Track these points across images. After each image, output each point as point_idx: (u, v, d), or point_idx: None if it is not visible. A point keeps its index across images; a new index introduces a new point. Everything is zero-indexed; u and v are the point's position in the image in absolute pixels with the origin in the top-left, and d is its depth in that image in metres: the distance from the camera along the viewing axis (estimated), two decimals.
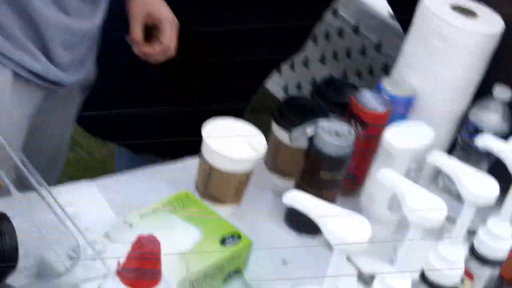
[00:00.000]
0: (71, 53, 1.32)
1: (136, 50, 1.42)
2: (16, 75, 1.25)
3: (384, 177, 0.83)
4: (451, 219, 1.27)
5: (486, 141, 0.93)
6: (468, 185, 0.81)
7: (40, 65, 1.27)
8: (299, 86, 2.51)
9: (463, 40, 1.31)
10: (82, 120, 2.01)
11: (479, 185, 0.81)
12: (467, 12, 1.35)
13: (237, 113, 2.05)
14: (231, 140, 1.25)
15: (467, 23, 1.33)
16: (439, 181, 1.43)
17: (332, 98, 1.39)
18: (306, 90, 2.48)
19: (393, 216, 1.25)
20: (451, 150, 1.41)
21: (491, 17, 1.37)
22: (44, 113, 1.37)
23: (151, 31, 1.44)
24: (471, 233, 0.90)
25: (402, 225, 1.25)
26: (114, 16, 1.43)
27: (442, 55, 1.33)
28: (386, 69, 2.15)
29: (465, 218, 0.83)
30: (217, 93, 1.89)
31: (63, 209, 1.05)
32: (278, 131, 1.32)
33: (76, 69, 1.35)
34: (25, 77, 1.26)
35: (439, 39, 1.32)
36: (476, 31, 1.32)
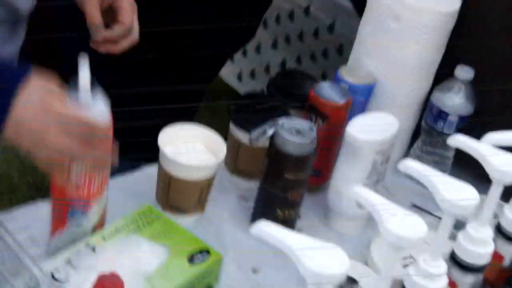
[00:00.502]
0: None
1: (96, 37, 1.25)
2: None
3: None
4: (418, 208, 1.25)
5: (459, 142, 0.89)
6: (447, 196, 0.76)
7: None
8: (253, 74, 2.46)
9: (418, 19, 1.27)
10: None
11: (458, 195, 0.77)
12: None
13: (192, 108, 2.01)
14: (188, 147, 1.21)
15: (422, 1, 1.28)
16: None
17: (289, 90, 1.35)
18: (260, 77, 2.43)
19: (363, 211, 1.21)
20: (415, 135, 1.38)
21: None
22: None
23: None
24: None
25: (373, 220, 1.22)
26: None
27: (398, 36, 1.28)
28: (341, 51, 2.11)
29: (445, 230, 0.79)
30: (171, 86, 1.85)
31: (14, 239, 1.00)
32: (237, 132, 1.27)
33: None
34: None
35: (394, 20, 1.28)
36: (431, 9, 1.27)
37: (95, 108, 0.99)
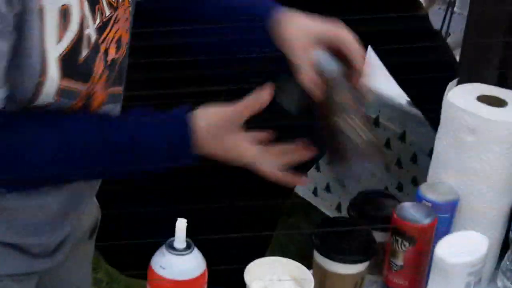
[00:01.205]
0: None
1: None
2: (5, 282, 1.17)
3: None
4: None
5: None
6: None
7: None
8: (328, 188, 2.45)
9: (492, 131, 1.25)
10: (118, 264, 1.97)
11: None
12: (494, 101, 1.30)
13: (271, 221, 2.01)
14: (275, 280, 1.19)
15: (495, 112, 1.27)
16: (498, 282, 1.35)
17: (370, 212, 1.34)
18: (336, 190, 2.42)
19: None
20: (504, 247, 1.34)
21: None
22: (54, 277, 1.30)
23: None
24: None
25: None
26: None
27: (475, 149, 1.26)
28: (415, 159, 2.09)
29: None
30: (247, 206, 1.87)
31: None
32: (321, 259, 1.26)
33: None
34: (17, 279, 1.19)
35: (468, 133, 1.26)
36: (505, 120, 1.26)
37: (191, 258, 1.01)
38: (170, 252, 1.01)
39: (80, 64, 1.04)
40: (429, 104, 1.62)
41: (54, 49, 1.00)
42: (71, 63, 1.03)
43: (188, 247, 1.02)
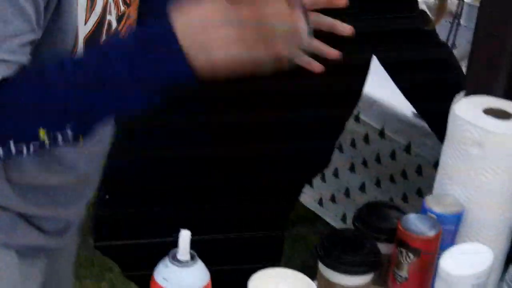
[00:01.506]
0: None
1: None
2: (21, 254, 1.20)
3: None
4: None
5: None
6: None
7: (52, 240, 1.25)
8: (333, 198, 2.45)
9: (499, 144, 1.25)
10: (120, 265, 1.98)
11: None
12: (501, 114, 1.30)
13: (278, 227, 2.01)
14: None
15: (501, 125, 1.27)
16: None
17: (375, 224, 1.33)
18: (341, 201, 2.43)
19: None
20: (509, 259, 1.34)
21: None
22: (51, 269, 1.33)
23: None
24: None
25: None
26: None
27: (481, 163, 1.26)
28: (420, 171, 2.09)
29: None
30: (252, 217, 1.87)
31: None
32: (326, 271, 1.26)
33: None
34: (30, 254, 1.23)
35: (475, 146, 1.26)
36: (511, 133, 1.25)
37: (195, 271, 1.01)
38: (173, 264, 1.01)
39: None
40: (435, 116, 1.62)
41: (82, 28, 1.04)
42: (93, 45, 1.06)
43: (192, 259, 1.02)
